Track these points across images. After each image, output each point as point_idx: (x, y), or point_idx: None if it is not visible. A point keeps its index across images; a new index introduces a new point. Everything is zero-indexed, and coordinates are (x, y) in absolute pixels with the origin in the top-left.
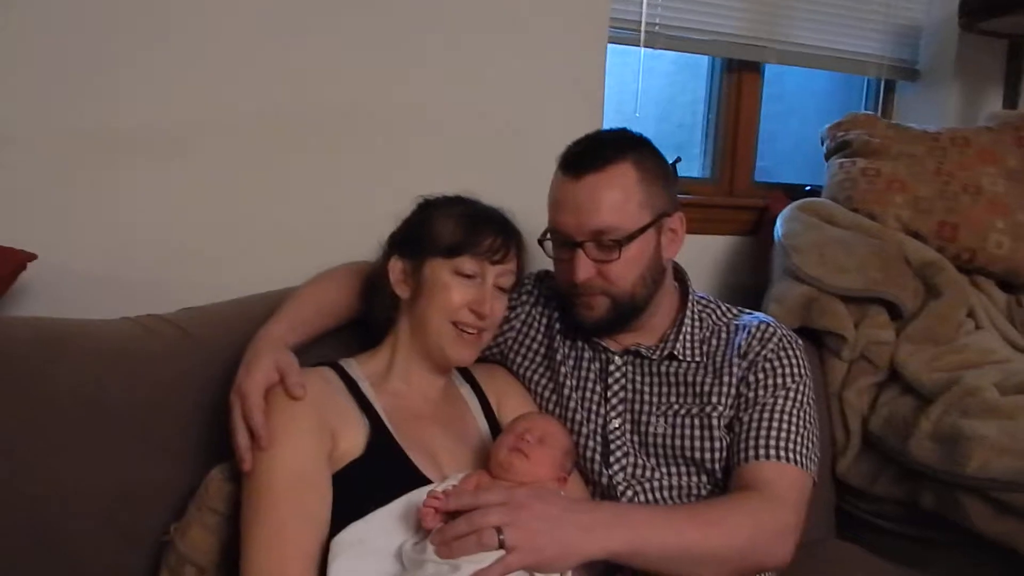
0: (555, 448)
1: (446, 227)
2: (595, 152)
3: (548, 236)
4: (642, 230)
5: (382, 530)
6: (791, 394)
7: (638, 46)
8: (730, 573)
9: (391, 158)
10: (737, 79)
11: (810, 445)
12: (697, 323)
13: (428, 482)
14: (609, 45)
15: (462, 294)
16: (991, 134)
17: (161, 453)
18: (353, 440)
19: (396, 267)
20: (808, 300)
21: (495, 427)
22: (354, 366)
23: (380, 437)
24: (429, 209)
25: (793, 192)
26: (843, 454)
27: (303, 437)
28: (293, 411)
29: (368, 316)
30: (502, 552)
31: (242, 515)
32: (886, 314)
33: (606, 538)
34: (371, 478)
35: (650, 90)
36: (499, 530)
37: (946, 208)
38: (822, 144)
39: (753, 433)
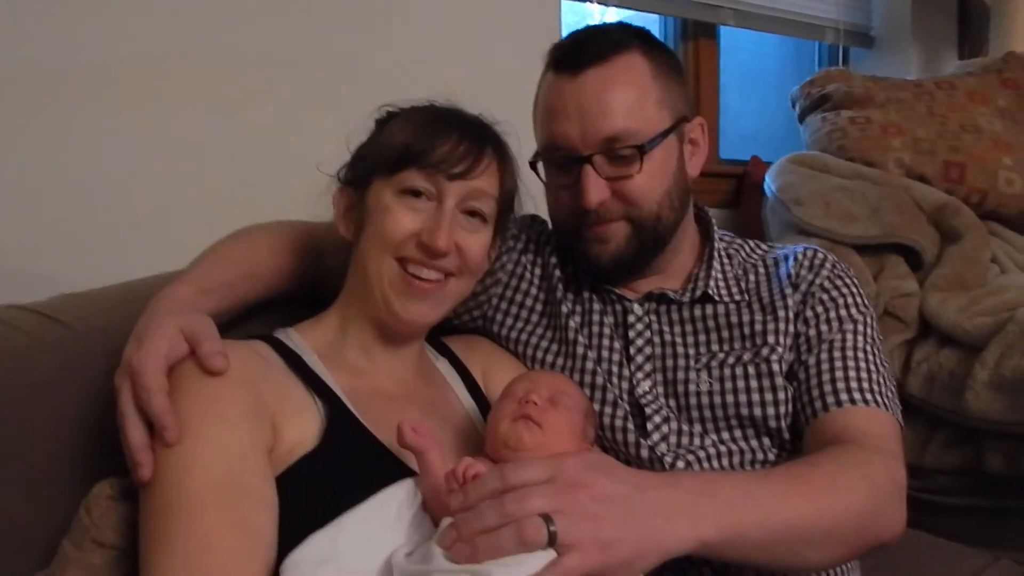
0: (571, 409)
1: (394, 138)
2: (595, 42)
3: (540, 157)
4: (664, 134)
5: (356, 542)
6: (859, 327)
7: (592, 1)
8: (844, 554)
9: (323, 119)
10: (694, 47)
11: (893, 388)
12: (726, 260)
13: (411, 473)
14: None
15: (410, 220)
16: (974, 78)
17: (22, 479)
18: (303, 429)
19: (341, 200)
20: None
21: (484, 406)
22: (294, 337)
23: (340, 422)
24: (385, 122)
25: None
26: None
27: (231, 425)
28: (213, 390)
29: (321, 285)
30: (551, 553)
31: (142, 544)
32: (905, 263)
33: (695, 524)
34: (333, 475)
35: None
36: (547, 519)
37: (949, 147)
38: (793, 106)
39: (827, 376)
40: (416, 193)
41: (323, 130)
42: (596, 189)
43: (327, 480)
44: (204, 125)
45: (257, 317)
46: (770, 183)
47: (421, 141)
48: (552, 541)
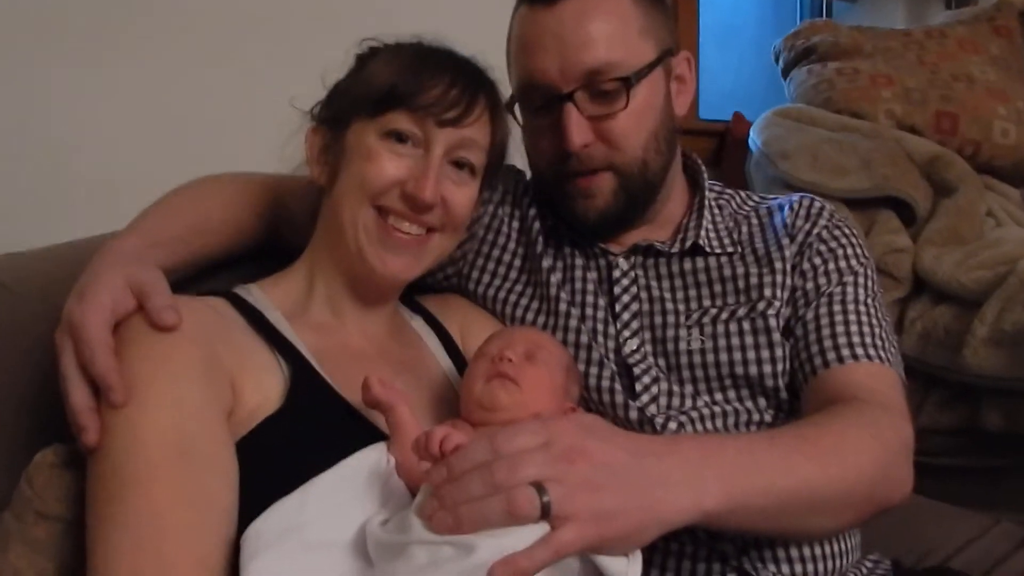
0: (550, 365)
1: (380, 75)
2: None
3: (515, 98)
4: (650, 67)
5: (324, 510)
6: (860, 279)
7: None
8: (852, 519)
9: (295, 65)
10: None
11: (895, 342)
12: (717, 210)
13: (382, 436)
14: None
15: (393, 166)
16: (965, 26)
17: None
18: (265, 390)
19: (315, 142)
20: None
21: (462, 366)
22: (255, 293)
23: (305, 382)
24: (368, 58)
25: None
26: None
27: (184, 385)
28: (164, 348)
29: (284, 241)
30: (544, 525)
31: (88, 516)
32: (897, 218)
33: (697, 494)
34: (298, 439)
35: None
36: (540, 488)
37: (941, 97)
38: (776, 60)
39: (827, 331)
40: (401, 137)
41: (296, 75)
42: (579, 130)
43: (291, 444)
44: (172, 77)
45: (215, 275)
46: (755, 137)
47: (409, 81)
48: (545, 513)
